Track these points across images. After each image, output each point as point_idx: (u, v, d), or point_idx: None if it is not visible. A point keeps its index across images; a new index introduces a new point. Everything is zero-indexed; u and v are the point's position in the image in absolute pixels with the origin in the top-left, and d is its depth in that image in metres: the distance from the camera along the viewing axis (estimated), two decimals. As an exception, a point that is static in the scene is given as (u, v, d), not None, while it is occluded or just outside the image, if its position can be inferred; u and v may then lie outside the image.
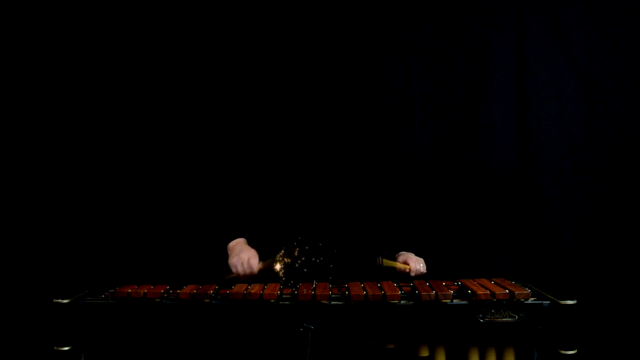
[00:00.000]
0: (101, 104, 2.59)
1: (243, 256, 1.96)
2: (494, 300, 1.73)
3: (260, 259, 1.98)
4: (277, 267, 1.99)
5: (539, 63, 2.50)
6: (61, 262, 2.58)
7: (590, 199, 2.50)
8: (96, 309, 1.81)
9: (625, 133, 2.49)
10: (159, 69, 2.57)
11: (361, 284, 1.88)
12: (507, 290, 1.74)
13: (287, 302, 1.77)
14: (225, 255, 2.03)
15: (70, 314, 1.78)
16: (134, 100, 2.58)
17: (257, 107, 2.34)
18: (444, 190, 2.54)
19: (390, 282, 1.91)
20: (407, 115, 2.55)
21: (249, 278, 1.96)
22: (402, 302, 1.75)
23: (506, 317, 1.72)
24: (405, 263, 2.00)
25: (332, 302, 1.76)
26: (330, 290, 1.83)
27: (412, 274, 1.97)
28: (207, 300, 1.80)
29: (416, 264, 1.98)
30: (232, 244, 2.06)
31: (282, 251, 2.00)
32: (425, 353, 1.82)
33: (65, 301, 1.78)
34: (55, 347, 1.78)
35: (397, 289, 1.82)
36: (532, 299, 1.74)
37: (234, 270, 1.97)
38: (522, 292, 1.73)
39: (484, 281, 1.90)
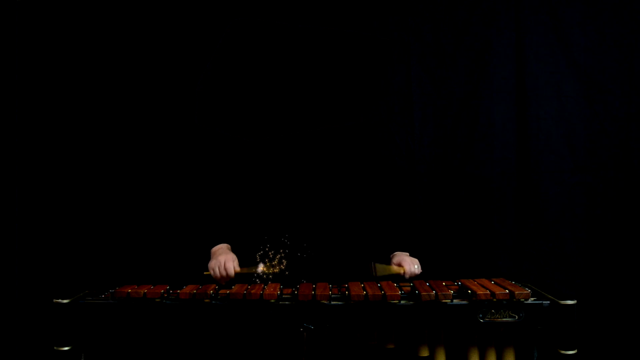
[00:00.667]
0: (101, 104, 2.59)
1: (220, 259, 1.97)
2: (494, 300, 1.73)
3: (246, 262, 1.99)
4: (259, 269, 2.01)
5: (539, 63, 2.50)
6: (61, 262, 2.58)
7: (590, 199, 2.50)
8: (96, 309, 1.82)
9: (625, 133, 2.49)
10: (159, 69, 2.57)
11: (361, 284, 1.89)
12: (507, 290, 1.74)
13: (287, 302, 1.77)
14: (209, 259, 2.06)
15: (70, 314, 1.79)
16: (134, 101, 2.58)
17: (257, 107, 2.34)
18: (444, 190, 2.54)
19: (390, 282, 1.91)
20: (407, 115, 2.55)
21: (227, 281, 1.96)
22: (402, 302, 1.75)
23: (506, 317, 1.72)
24: (400, 265, 1.99)
25: (332, 302, 1.76)
26: (330, 290, 1.83)
27: (407, 276, 1.97)
28: (207, 300, 1.80)
29: (410, 266, 1.97)
30: (215, 248, 2.08)
31: (261, 265, 2.01)
32: (425, 353, 1.82)
33: (65, 301, 1.78)
34: (55, 347, 1.78)
35: (397, 289, 1.82)
36: (532, 299, 1.74)
37: (212, 273, 1.98)
38: (522, 292, 1.73)
39: (484, 281, 1.90)
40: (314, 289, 1.82)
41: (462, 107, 2.54)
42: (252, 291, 1.79)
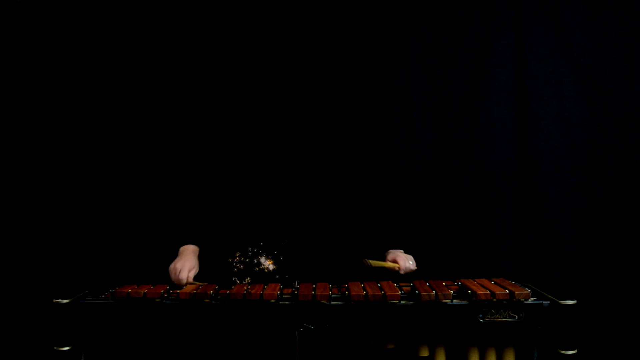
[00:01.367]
0: (101, 104, 2.59)
1: (178, 265, 1.95)
2: (494, 300, 1.73)
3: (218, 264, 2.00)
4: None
5: (539, 63, 2.50)
6: (61, 262, 2.58)
7: (590, 199, 2.50)
8: (96, 309, 1.82)
9: (625, 133, 2.48)
10: (159, 69, 2.57)
11: (361, 284, 1.89)
12: (507, 290, 1.74)
13: (287, 302, 1.77)
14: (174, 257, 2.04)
15: (70, 314, 1.79)
16: (134, 101, 2.58)
17: (258, 107, 2.34)
18: (444, 190, 2.54)
19: (390, 282, 1.91)
20: (407, 115, 2.55)
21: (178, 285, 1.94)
22: (402, 302, 1.75)
23: (506, 317, 1.72)
24: (395, 261, 1.99)
25: (332, 302, 1.76)
26: (330, 290, 1.83)
27: (402, 272, 1.97)
28: (207, 300, 1.80)
29: (405, 262, 1.98)
30: (182, 248, 2.06)
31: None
32: (425, 353, 1.82)
33: (65, 301, 1.79)
34: (55, 347, 1.78)
35: (397, 289, 1.82)
36: (532, 299, 1.75)
37: (170, 275, 1.96)
38: (522, 292, 1.73)
39: (484, 281, 1.90)
40: (314, 289, 1.82)
41: (462, 107, 2.54)
42: (252, 291, 1.79)
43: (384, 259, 2.05)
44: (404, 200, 2.53)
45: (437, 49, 2.54)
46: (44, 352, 2.46)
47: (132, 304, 1.81)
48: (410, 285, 1.87)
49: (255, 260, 2.05)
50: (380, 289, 1.80)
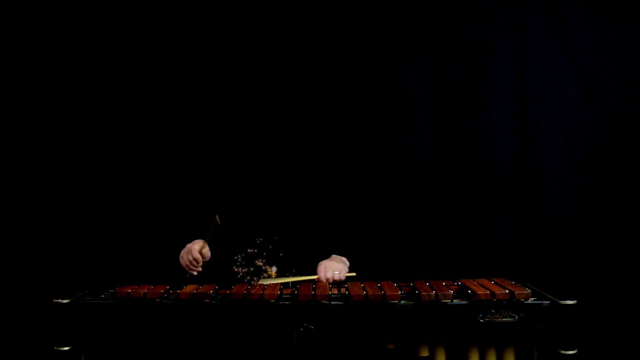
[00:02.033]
0: (101, 104, 2.59)
1: (188, 246, 1.96)
2: (494, 300, 1.73)
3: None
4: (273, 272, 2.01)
5: (539, 63, 2.50)
6: (61, 262, 2.58)
7: (590, 199, 2.50)
8: (96, 309, 1.82)
9: (625, 133, 2.48)
10: (159, 69, 2.57)
11: (361, 284, 1.89)
12: (507, 290, 1.74)
13: (287, 302, 1.78)
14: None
15: (70, 314, 1.79)
16: (134, 101, 2.58)
17: (258, 107, 2.34)
18: (444, 190, 2.54)
19: (390, 282, 1.91)
20: (407, 115, 2.55)
21: (201, 272, 1.94)
22: (402, 302, 1.75)
23: (506, 317, 1.72)
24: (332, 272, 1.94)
25: (332, 302, 1.76)
26: (330, 290, 1.83)
27: (324, 282, 1.92)
28: (207, 300, 1.80)
29: (325, 273, 1.92)
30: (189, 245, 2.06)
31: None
32: (425, 353, 1.82)
33: (65, 301, 1.79)
34: (55, 347, 1.78)
35: (397, 289, 1.82)
36: (532, 299, 1.75)
37: (182, 263, 1.97)
38: (522, 292, 1.73)
39: (484, 281, 1.91)
40: (314, 289, 1.82)
41: (462, 107, 2.54)
42: (252, 291, 1.79)
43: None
44: (404, 200, 2.53)
45: (437, 49, 2.54)
46: (44, 352, 2.46)
47: (132, 304, 1.81)
48: (410, 285, 1.87)
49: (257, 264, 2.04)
50: (380, 289, 1.81)
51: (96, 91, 2.59)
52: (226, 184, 2.29)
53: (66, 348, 1.78)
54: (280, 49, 2.39)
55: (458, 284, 1.91)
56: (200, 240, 2.00)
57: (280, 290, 1.85)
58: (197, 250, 1.92)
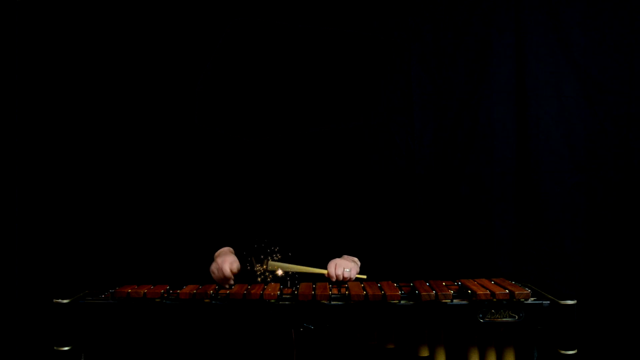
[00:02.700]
0: (101, 104, 2.59)
1: (219, 261, 1.96)
2: (494, 300, 1.73)
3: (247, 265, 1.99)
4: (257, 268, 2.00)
5: (539, 63, 2.50)
6: (61, 262, 2.58)
7: (590, 199, 2.50)
8: (96, 309, 1.82)
9: (625, 133, 2.48)
10: (159, 69, 2.57)
11: (361, 283, 1.89)
12: (507, 290, 1.74)
13: (287, 302, 1.78)
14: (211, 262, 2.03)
15: (70, 314, 1.79)
16: (134, 101, 2.58)
17: (258, 107, 2.34)
18: (444, 190, 2.54)
19: (390, 282, 1.91)
20: (407, 115, 2.55)
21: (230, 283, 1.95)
22: (402, 302, 1.75)
23: (506, 317, 1.72)
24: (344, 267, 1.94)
25: (332, 302, 1.76)
26: (330, 290, 1.83)
27: (332, 279, 1.93)
28: (207, 300, 1.80)
29: (335, 270, 1.92)
30: (217, 252, 2.07)
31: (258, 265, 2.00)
32: (425, 353, 1.82)
33: (65, 301, 1.79)
34: (55, 347, 1.78)
35: (397, 289, 1.82)
36: (532, 299, 1.75)
37: (213, 277, 1.97)
38: (522, 292, 1.73)
39: (484, 281, 1.91)
40: (314, 289, 1.82)
41: (462, 107, 2.54)
42: (252, 291, 1.79)
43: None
44: (404, 200, 2.53)
45: (437, 49, 2.54)
46: (44, 352, 2.46)
47: (132, 304, 1.81)
48: (410, 285, 1.87)
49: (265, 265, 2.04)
50: (380, 289, 1.81)
51: (96, 91, 2.59)
52: (226, 184, 2.29)
53: (66, 348, 1.78)
54: (280, 49, 2.39)
55: (458, 284, 1.92)
56: (229, 254, 2.01)
57: (281, 290, 1.85)
58: (228, 270, 1.92)
